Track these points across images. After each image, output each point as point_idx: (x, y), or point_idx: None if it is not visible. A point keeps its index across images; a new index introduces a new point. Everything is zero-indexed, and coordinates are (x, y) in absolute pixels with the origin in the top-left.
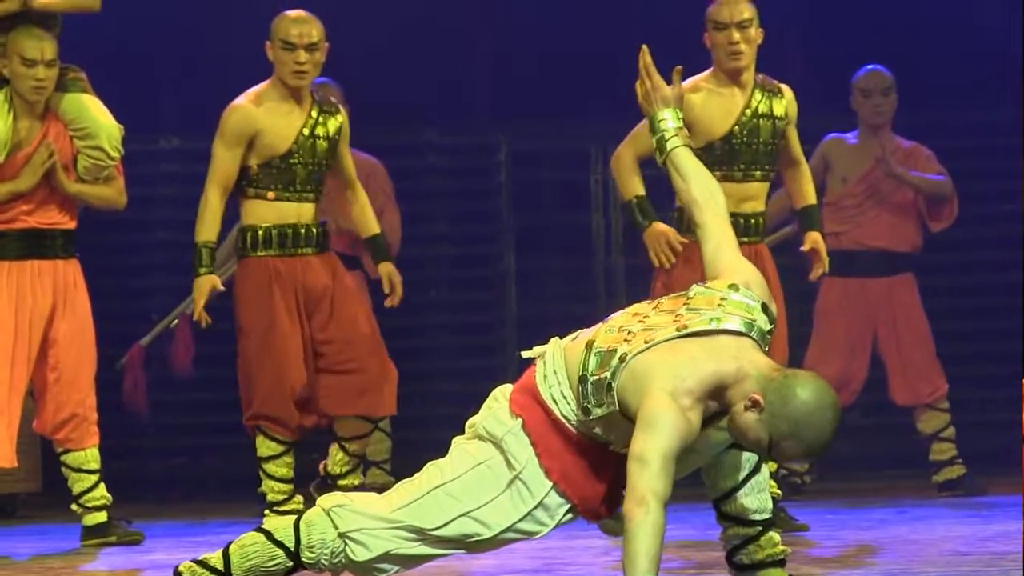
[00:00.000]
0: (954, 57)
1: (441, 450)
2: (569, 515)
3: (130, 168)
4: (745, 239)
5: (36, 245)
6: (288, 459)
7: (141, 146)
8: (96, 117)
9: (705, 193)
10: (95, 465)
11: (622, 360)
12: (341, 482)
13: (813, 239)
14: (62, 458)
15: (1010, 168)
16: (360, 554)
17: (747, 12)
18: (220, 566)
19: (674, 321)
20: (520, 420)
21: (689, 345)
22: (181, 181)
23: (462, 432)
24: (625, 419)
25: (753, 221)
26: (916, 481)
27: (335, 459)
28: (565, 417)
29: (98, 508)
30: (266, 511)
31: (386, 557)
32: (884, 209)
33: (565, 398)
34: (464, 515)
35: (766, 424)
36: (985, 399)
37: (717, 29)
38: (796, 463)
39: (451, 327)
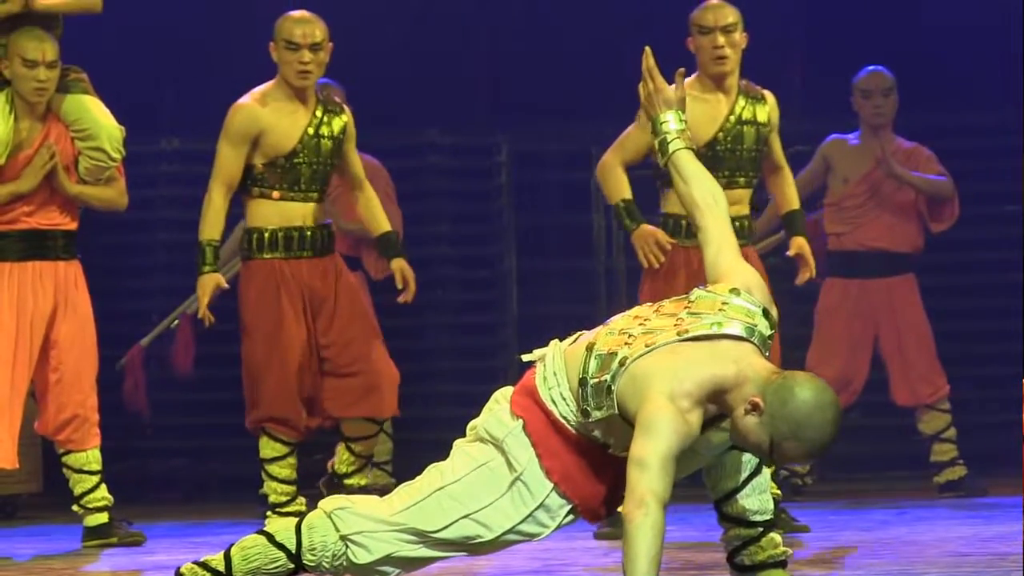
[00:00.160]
0: (954, 57)
1: (442, 451)
2: (570, 516)
3: (130, 169)
4: None
5: (37, 246)
6: (291, 460)
7: (141, 147)
8: (97, 118)
9: (707, 197)
10: (96, 466)
11: (622, 364)
12: (347, 481)
13: (799, 244)
14: (63, 459)
15: (1010, 168)
16: (361, 557)
17: (732, 16)
18: (221, 568)
19: (675, 325)
20: (521, 422)
21: (689, 349)
22: (181, 182)
23: (463, 433)
24: (624, 422)
25: (738, 224)
26: (917, 482)
27: (341, 458)
28: (565, 419)
29: (99, 509)
30: (268, 512)
31: (387, 560)
32: (885, 210)
33: (565, 400)
34: (465, 517)
35: (767, 426)
36: (986, 400)
37: (701, 33)
38: (798, 464)
39: (452, 328)
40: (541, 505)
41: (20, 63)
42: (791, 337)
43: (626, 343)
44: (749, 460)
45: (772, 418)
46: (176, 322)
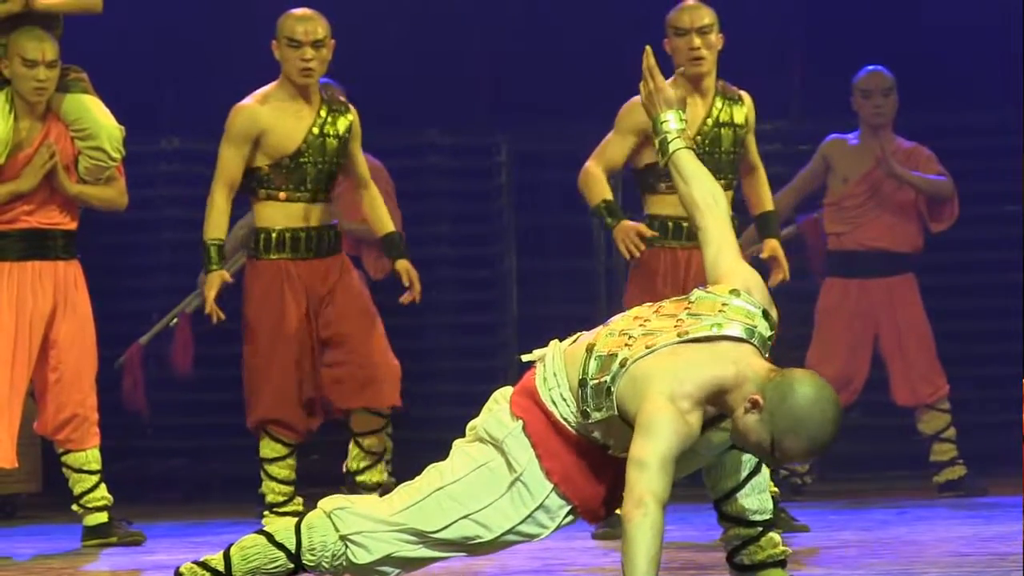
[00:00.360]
0: (954, 57)
1: (442, 450)
2: (570, 517)
3: (130, 169)
4: None
5: (37, 246)
6: (291, 461)
7: (141, 146)
8: (97, 118)
9: (707, 197)
10: (96, 466)
11: (622, 365)
12: (359, 478)
13: (772, 247)
14: (63, 459)
15: (1010, 168)
16: (361, 557)
17: (708, 17)
18: (221, 567)
19: (675, 326)
20: (521, 422)
21: (689, 350)
22: (181, 181)
23: (463, 433)
24: (624, 424)
25: None
26: (917, 482)
27: (352, 455)
28: (565, 420)
29: (99, 509)
30: (266, 512)
31: (387, 560)
32: (885, 210)
33: (565, 401)
34: (465, 517)
35: (767, 423)
36: (986, 400)
37: (677, 35)
38: (799, 463)
39: (452, 328)
40: (541, 506)
41: (20, 63)
42: (791, 337)
43: (626, 344)
44: (748, 460)
45: (772, 415)
46: (175, 321)
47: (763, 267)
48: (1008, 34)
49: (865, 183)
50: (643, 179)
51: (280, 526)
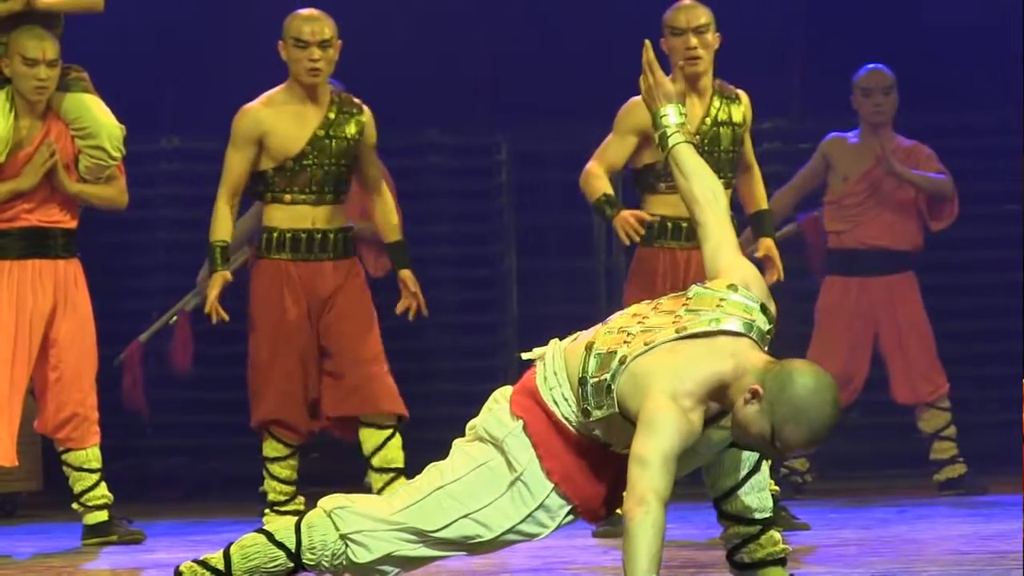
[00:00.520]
0: (954, 57)
1: (442, 450)
2: (570, 516)
3: (130, 168)
4: None
5: (37, 244)
6: (293, 462)
7: (141, 146)
8: (98, 117)
9: (707, 192)
10: (96, 464)
11: (622, 362)
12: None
13: (766, 246)
14: (63, 457)
15: (1010, 168)
16: (361, 556)
17: (704, 17)
18: (221, 566)
19: (673, 322)
20: (521, 422)
21: (688, 347)
22: (181, 181)
23: (463, 432)
24: (625, 421)
25: None
26: (917, 480)
27: (371, 478)
28: (566, 419)
29: (99, 507)
30: (266, 511)
31: (387, 559)
32: (885, 208)
33: (566, 400)
34: (465, 517)
35: (767, 413)
36: (986, 398)
37: (674, 35)
38: (801, 453)
39: (452, 328)
40: (541, 505)
41: (20, 61)
42: (791, 335)
43: (625, 341)
44: (747, 458)
45: (771, 404)
46: (175, 319)
47: (758, 266)
48: (1008, 34)
49: (865, 181)
50: (642, 179)
51: (280, 525)
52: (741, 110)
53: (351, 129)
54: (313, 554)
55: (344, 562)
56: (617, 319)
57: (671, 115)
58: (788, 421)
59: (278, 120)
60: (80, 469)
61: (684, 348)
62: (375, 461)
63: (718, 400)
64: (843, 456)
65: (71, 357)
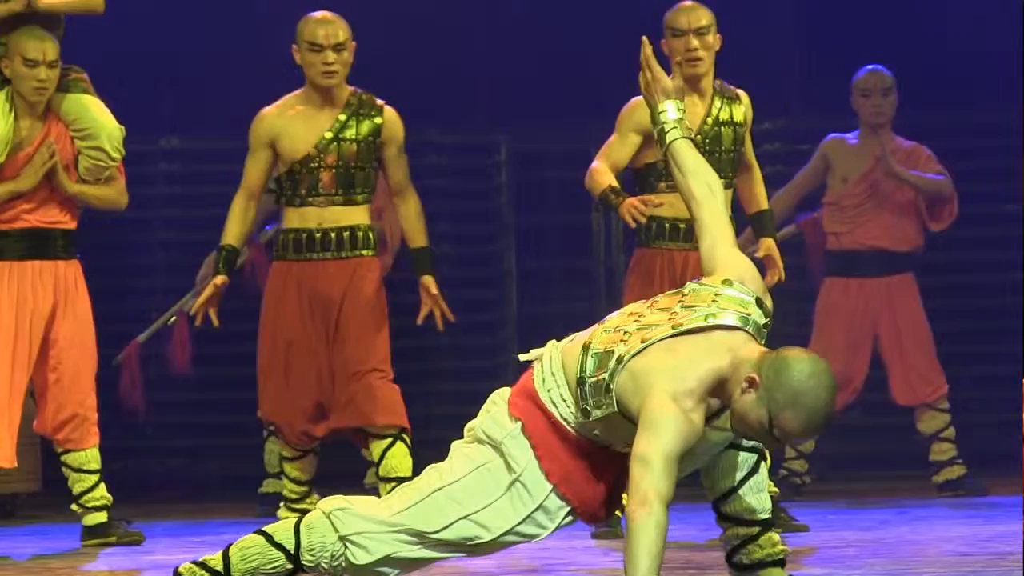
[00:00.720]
0: (954, 57)
1: (442, 450)
2: (569, 518)
3: (130, 168)
4: None
5: (37, 245)
6: (302, 463)
7: (141, 146)
8: (97, 118)
9: (704, 189)
10: (95, 465)
11: (620, 361)
12: None
13: (767, 246)
14: (62, 458)
15: (1010, 168)
16: (361, 557)
17: (705, 18)
18: (220, 568)
19: (669, 319)
20: (519, 423)
21: (685, 344)
22: (181, 181)
23: (463, 432)
24: (625, 420)
25: None
26: (916, 481)
27: (381, 492)
28: (565, 420)
29: (98, 508)
30: (281, 504)
31: (386, 560)
32: (884, 209)
33: (564, 401)
34: (464, 518)
35: (764, 400)
36: (985, 399)
37: (675, 36)
38: (799, 440)
39: (451, 327)
40: (540, 506)
41: (21, 62)
42: (791, 336)
43: (622, 340)
44: (745, 459)
45: (768, 391)
46: (173, 319)
47: (759, 267)
48: (1008, 34)
49: (864, 183)
50: (643, 178)
51: (279, 526)
52: (742, 110)
53: (363, 131)
54: (312, 555)
55: (343, 564)
56: (614, 318)
57: (670, 110)
58: (785, 407)
59: (289, 124)
60: (79, 470)
61: (682, 346)
62: (380, 470)
63: (718, 396)
64: (842, 457)
65: (71, 358)
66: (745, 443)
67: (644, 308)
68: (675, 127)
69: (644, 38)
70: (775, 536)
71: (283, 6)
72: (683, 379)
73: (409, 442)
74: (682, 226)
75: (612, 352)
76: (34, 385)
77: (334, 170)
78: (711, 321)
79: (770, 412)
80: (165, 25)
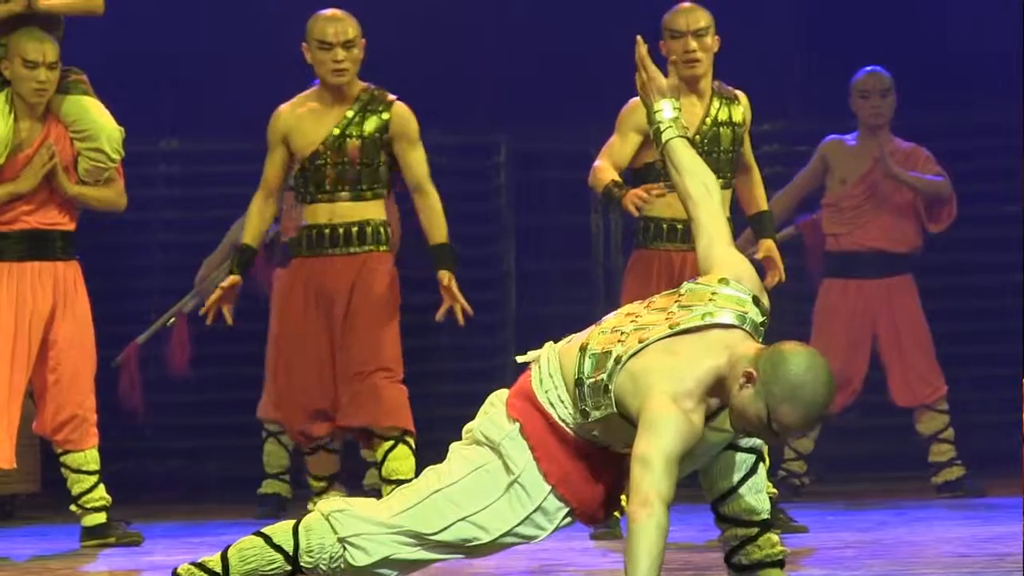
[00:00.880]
0: (954, 57)
1: (442, 451)
2: (567, 519)
3: (130, 170)
4: None
5: (36, 246)
6: (316, 458)
7: (141, 147)
8: (97, 119)
9: (700, 188)
10: (94, 466)
11: (618, 362)
12: None
13: (767, 247)
14: (61, 459)
15: (1010, 168)
16: (359, 559)
17: (703, 20)
18: (218, 569)
19: (666, 319)
20: (517, 424)
21: (683, 344)
22: (180, 183)
23: (462, 433)
24: (624, 421)
25: None
26: (915, 482)
27: (383, 492)
28: (563, 421)
29: (97, 509)
30: (312, 498)
31: (385, 562)
32: (883, 210)
33: (563, 402)
34: (463, 519)
35: (762, 394)
36: (985, 400)
37: (673, 37)
38: (798, 434)
39: (451, 328)
40: (539, 508)
41: (20, 64)
42: (790, 337)
43: (619, 341)
44: (744, 460)
45: (766, 384)
46: (173, 320)
47: (759, 268)
48: (1008, 34)
49: (863, 184)
50: (642, 179)
51: (278, 528)
52: (740, 110)
53: (369, 128)
54: (311, 557)
55: (342, 565)
56: (611, 319)
57: (666, 109)
58: (783, 401)
59: (299, 122)
60: (78, 471)
61: (680, 345)
62: (382, 471)
63: (717, 394)
64: (841, 458)
65: (70, 359)
66: (744, 444)
67: (641, 308)
68: (671, 126)
69: (638, 38)
70: (774, 537)
71: (283, 7)
72: (682, 380)
73: (412, 444)
74: (680, 227)
75: (610, 353)
76: (33, 386)
77: (340, 167)
78: (708, 320)
79: (768, 406)
80: (165, 27)
